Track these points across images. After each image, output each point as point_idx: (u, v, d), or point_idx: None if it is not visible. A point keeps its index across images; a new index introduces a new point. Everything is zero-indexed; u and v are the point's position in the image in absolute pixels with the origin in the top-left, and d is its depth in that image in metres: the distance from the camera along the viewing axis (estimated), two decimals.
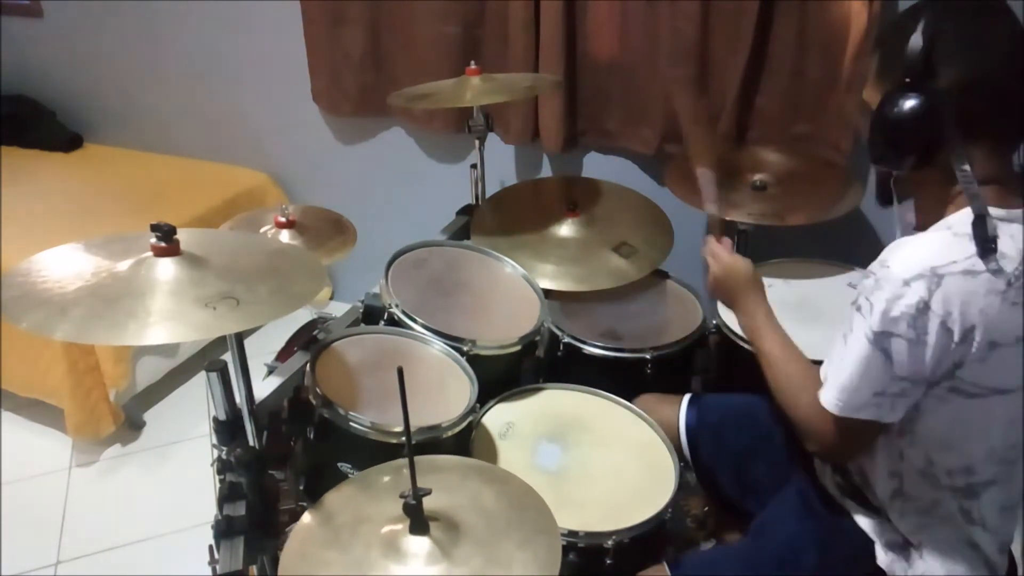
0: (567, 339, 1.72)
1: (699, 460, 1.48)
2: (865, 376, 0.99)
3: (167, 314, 0.97)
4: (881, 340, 0.96)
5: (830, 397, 1.03)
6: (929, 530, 1.10)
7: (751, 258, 1.97)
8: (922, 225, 1.05)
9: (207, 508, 1.96)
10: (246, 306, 1.00)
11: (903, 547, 1.13)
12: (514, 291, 1.77)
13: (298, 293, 1.07)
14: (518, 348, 1.61)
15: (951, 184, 0.99)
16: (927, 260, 0.94)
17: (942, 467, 1.05)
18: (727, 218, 1.85)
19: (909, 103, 0.96)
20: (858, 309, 0.99)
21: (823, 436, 1.07)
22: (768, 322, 1.26)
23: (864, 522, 1.17)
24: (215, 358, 1.10)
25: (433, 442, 1.34)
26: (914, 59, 0.96)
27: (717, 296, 1.41)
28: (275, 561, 1.17)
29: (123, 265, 1.04)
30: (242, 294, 1.02)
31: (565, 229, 1.96)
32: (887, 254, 0.99)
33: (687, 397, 1.54)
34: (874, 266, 0.99)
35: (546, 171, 2.42)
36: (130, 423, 2.36)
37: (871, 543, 1.16)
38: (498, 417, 1.52)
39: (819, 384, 1.07)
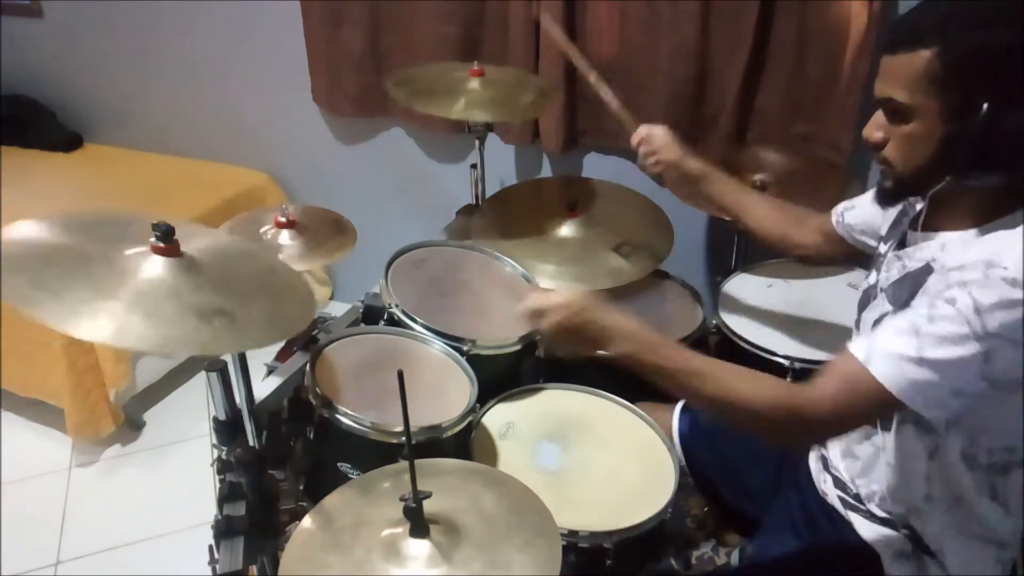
0: None
1: (694, 467, 1.47)
2: (950, 372, 0.90)
3: (158, 319, 0.94)
4: (986, 340, 0.88)
5: (885, 366, 0.92)
6: (950, 531, 1.08)
7: (751, 258, 1.99)
8: (954, 221, 1.02)
9: (207, 508, 1.97)
10: (241, 326, 0.98)
11: (914, 555, 1.12)
12: (514, 291, 1.77)
13: (289, 320, 1.05)
14: (518, 348, 1.61)
15: (1012, 185, 0.96)
16: None
17: (984, 447, 1.03)
18: (727, 218, 1.85)
19: None
20: (951, 302, 0.90)
21: (822, 405, 0.96)
22: (659, 340, 1.07)
23: (869, 534, 1.16)
24: (215, 358, 1.10)
25: (433, 442, 1.34)
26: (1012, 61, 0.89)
27: (567, 347, 1.13)
28: (275, 561, 1.17)
29: (118, 251, 1.01)
30: (236, 308, 1.00)
31: (565, 229, 1.96)
32: (995, 251, 0.91)
33: (680, 405, 1.53)
34: (974, 261, 0.91)
35: (546, 171, 2.42)
36: (130, 423, 2.36)
37: (876, 557, 1.14)
38: (498, 417, 1.52)
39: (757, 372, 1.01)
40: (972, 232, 1.01)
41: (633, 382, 1.64)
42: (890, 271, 1.13)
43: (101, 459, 2.28)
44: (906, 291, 1.05)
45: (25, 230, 1.02)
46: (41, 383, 2.21)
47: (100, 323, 0.90)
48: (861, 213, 1.35)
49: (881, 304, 1.12)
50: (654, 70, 2.07)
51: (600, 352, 1.08)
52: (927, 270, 1.02)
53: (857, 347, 0.97)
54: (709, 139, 2.11)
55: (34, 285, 0.90)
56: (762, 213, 1.51)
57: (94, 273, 0.97)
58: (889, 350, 0.93)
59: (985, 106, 0.90)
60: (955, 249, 1.01)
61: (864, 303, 1.20)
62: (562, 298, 1.12)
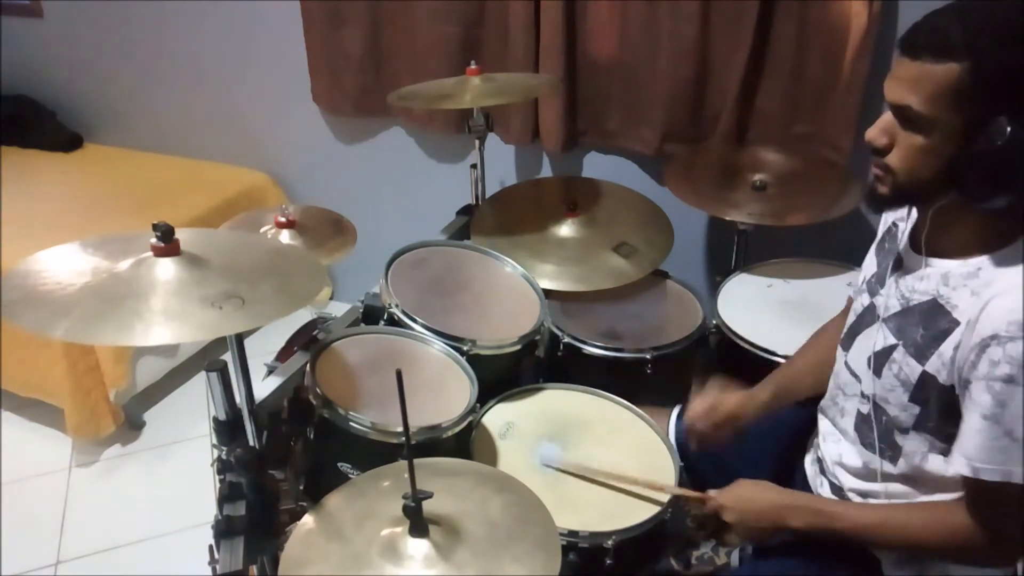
0: (567, 339, 1.72)
1: (691, 470, 1.46)
2: None
3: (172, 314, 0.96)
4: None
5: (993, 465, 0.93)
6: None
7: (751, 258, 1.99)
8: (956, 246, 1.01)
9: (207, 508, 1.96)
10: (252, 305, 1.00)
11: (916, 558, 1.11)
12: (514, 291, 1.77)
13: (300, 291, 1.08)
14: (518, 348, 1.61)
15: (1015, 210, 0.95)
16: None
17: None
18: (727, 218, 1.86)
19: None
20: (1009, 380, 0.90)
21: (984, 532, 0.98)
22: (831, 506, 1.15)
23: None
24: (215, 358, 1.10)
25: (433, 442, 1.34)
26: None
27: (755, 536, 1.20)
28: (275, 561, 1.17)
29: (123, 265, 1.04)
30: (246, 292, 1.02)
31: (565, 229, 1.96)
32: (1014, 310, 0.90)
33: (676, 409, 1.53)
34: (1007, 325, 0.90)
35: (546, 171, 2.42)
36: (130, 423, 2.36)
37: (876, 562, 1.14)
38: (498, 417, 1.52)
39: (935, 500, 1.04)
40: (973, 262, 0.99)
41: (633, 382, 1.66)
42: (889, 298, 1.10)
43: (101, 459, 2.28)
44: (916, 330, 1.03)
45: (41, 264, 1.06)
46: (41, 383, 2.21)
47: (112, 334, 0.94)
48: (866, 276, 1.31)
49: (883, 334, 1.09)
50: (654, 70, 2.07)
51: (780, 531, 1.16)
52: (937, 309, 1.01)
53: (958, 465, 0.97)
54: (709, 139, 2.11)
55: (80, 320, 0.95)
56: (818, 369, 1.36)
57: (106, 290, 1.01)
58: (985, 453, 0.94)
59: (1009, 128, 0.88)
60: (959, 283, 0.99)
61: (859, 325, 1.17)
62: (741, 492, 1.19)
